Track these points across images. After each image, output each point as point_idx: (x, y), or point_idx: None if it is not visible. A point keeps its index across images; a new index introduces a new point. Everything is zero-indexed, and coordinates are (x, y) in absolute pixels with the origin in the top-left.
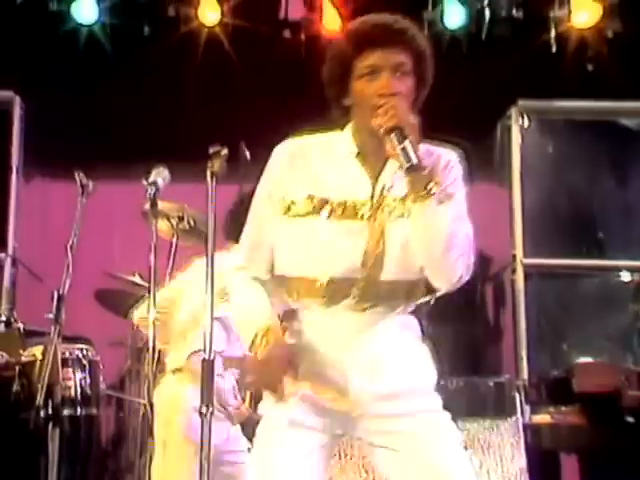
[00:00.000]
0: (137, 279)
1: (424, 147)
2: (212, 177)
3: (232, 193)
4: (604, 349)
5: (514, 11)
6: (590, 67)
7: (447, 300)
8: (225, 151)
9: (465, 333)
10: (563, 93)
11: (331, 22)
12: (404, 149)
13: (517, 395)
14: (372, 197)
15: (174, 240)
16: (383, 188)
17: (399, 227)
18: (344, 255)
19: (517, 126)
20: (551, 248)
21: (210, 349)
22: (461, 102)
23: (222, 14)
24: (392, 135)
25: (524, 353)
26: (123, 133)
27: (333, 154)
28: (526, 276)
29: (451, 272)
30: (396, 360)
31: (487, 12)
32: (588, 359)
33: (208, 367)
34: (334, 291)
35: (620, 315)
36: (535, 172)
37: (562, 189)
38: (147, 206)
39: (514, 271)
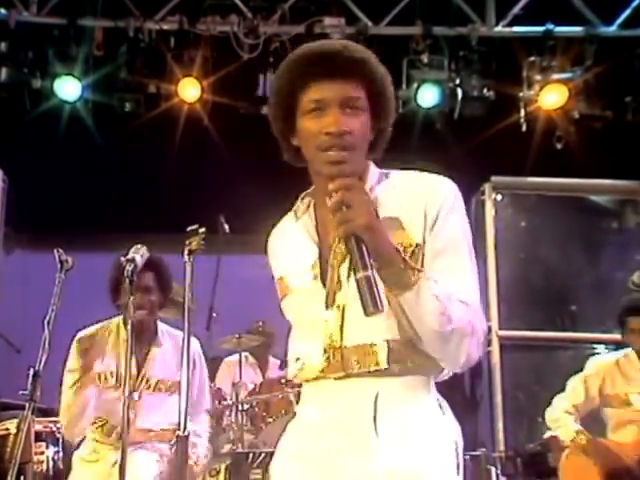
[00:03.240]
0: None
1: (413, 175)
2: (189, 254)
3: (212, 264)
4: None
5: (485, 91)
6: (559, 146)
7: None
8: (202, 229)
9: None
10: (534, 170)
11: None
12: (361, 281)
13: (493, 468)
14: (319, 259)
15: None
16: (382, 307)
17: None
18: (322, 327)
19: (490, 201)
20: (525, 320)
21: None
22: None
23: (202, 90)
24: (347, 250)
25: (500, 425)
26: (104, 206)
27: (296, 227)
28: (501, 348)
29: (453, 359)
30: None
31: (459, 92)
32: None
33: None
34: (316, 367)
35: None
36: (509, 245)
37: (535, 262)
38: (125, 282)
39: (489, 343)
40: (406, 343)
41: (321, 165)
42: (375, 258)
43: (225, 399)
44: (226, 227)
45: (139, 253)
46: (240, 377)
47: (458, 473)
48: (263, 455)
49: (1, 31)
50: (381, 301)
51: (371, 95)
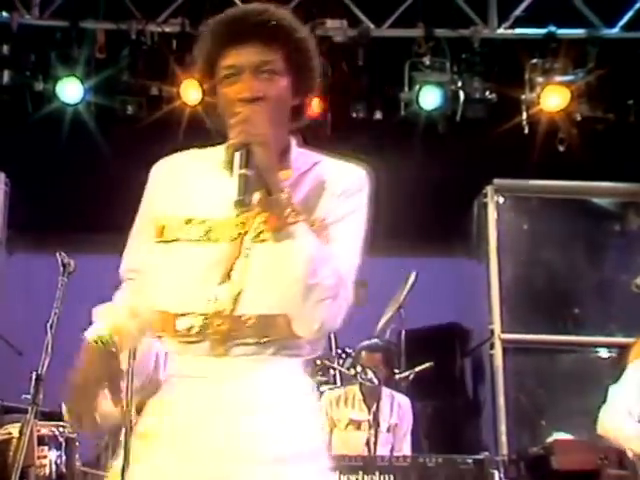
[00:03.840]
0: None
1: (325, 161)
2: None
3: None
4: (583, 425)
5: (487, 94)
6: (561, 148)
7: (426, 375)
8: None
9: (444, 409)
10: (536, 172)
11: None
12: (241, 177)
13: (496, 472)
14: (237, 215)
15: None
16: (250, 204)
17: (265, 252)
18: (201, 284)
19: (493, 204)
20: (528, 323)
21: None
22: (438, 180)
23: (204, 93)
24: (236, 154)
25: (503, 429)
26: (107, 209)
27: (207, 167)
28: (504, 351)
29: (308, 319)
30: (272, 415)
31: (461, 94)
32: (567, 436)
33: None
34: (188, 328)
35: (599, 391)
36: (511, 248)
37: (538, 265)
38: None
39: (492, 346)
40: (276, 318)
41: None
42: (262, 180)
43: None
44: None
45: None
46: None
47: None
48: None
49: (3, 34)
50: (250, 199)
51: (291, 58)
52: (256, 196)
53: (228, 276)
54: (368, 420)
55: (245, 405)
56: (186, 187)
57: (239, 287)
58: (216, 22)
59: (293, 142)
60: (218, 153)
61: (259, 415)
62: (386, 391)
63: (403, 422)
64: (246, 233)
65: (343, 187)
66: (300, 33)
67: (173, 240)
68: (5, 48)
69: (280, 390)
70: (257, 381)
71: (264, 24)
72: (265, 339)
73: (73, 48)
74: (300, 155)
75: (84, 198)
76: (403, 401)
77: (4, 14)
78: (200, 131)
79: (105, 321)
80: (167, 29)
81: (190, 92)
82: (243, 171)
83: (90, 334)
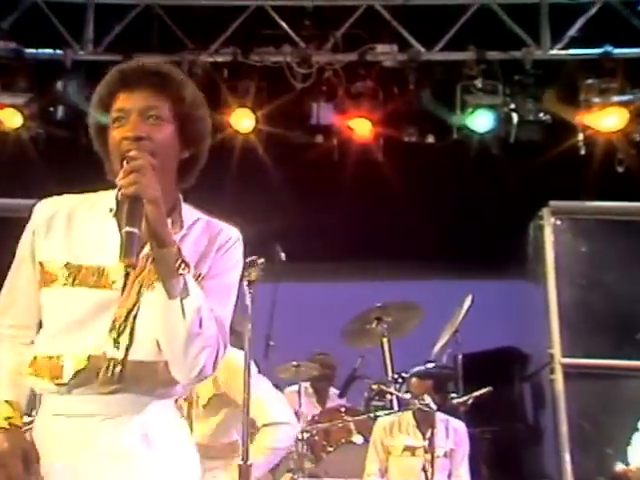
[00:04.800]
0: None
1: (204, 219)
2: (249, 285)
3: (268, 292)
4: None
5: (541, 115)
6: (620, 169)
7: (484, 400)
8: (262, 260)
9: (503, 435)
10: (593, 194)
11: (360, 128)
12: (127, 234)
13: None
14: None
15: None
16: (139, 259)
17: (153, 301)
18: (91, 329)
19: (549, 226)
20: (589, 348)
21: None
22: (492, 203)
23: (256, 121)
24: (124, 207)
25: (567, 457)
26: None
27: (95, 213)
28: (565, 376)
29: (189, 367)
30: (148, 453)
31: (514, 117)
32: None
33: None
34: (77, 372)
35: None
36: (569, 270)
37: (597, 288)
38: None
39: (552, 371)
40: (158, 364)
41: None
42: (152, 234)
43: None
44: (282, 255)
45: None
46: (300, 406)
47: None
48: None
49: (57, 70)
50: (136, 254)
51: (177, 108)
52: (147, 248)
53: (116, 322)
54: (423, 446)
55: (120, 450)
56: (77, 233)
57: (126, 333)
58: (110, 72)
59: (180, 196)
60: (108, 199)
61: (133, 461)
62: (440, 416)
63: (460, 447)
64: (135, 281)
65: (219, 244)
66: (188, 85)
67: (63, 285)
68: (59, 84)
69: (155, 433)
70: (133, 423)
71: (154, 73)
72: (146, 384)
73: None
74: (186, 210)
75: None
76: (458, 426)
77: (58, 51)
78: (253, 159)
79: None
80: (219, 59)
81: (242, 120)
82: (129, 229)
83: None
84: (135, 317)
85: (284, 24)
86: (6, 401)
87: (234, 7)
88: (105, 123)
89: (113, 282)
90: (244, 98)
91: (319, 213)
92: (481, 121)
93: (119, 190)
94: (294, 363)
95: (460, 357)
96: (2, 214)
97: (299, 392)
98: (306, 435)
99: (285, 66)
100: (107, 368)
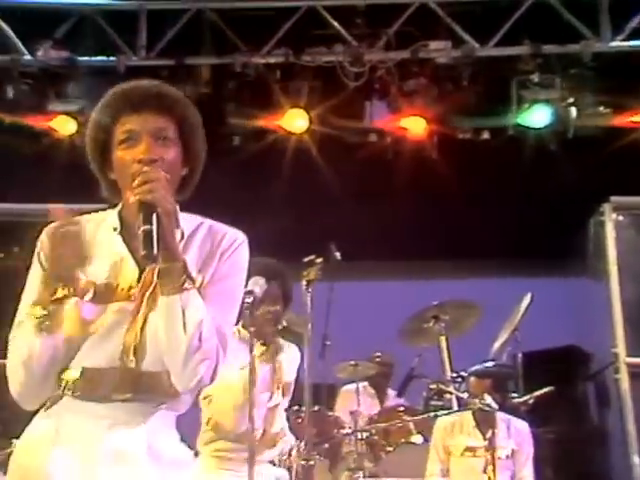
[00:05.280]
0: None
1: (208, 224)
2: (308, 285)
3: (324, 291)
4: None
5: (601, 109)
6: None
7: (546, 400)
8: (320, 260)
9: (567, 435)
10: None
11: (414, 125)
12: (145, 232)
13: None
14: (138, 279)
15: None
16: (146, 274)
17: (158, 314)
18: (107, 342)
19: (611, 222)
20: None
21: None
22: (551, 199)
23: (310, 121)
24: (141, 212)
25: (636, 460)
26: None
27: (101, 232)
28: (631, 376)
29: (187, 378)
30: (151, 461)
31: (573, 111)
32: None
33: None
34: (87, 381)
35: None
36: (632, 267)
37: None
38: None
39: (617, 370)
40: (162, 374)
41: (134, 189)
42: (163, 246)
43: (343, 427)
44: (337, 254)
45: (258, 284)
46: (358, 405)
47: None
48: None
49: (111, 77)
50: (157, 250)
51: (182, 132)
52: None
53: (129, 335)
54: (484, 447)
55: (125, 454)
56: (86, 253)
57: (138, 345)
58: (111, 94)
59: (177, 206)
60: (110, 218)
61: (136, 467)
62: (502, 416)
63: (523, 447)
64: (145, 295)
65: (223, 249)
66: (190, 105)
67: (76, 302)
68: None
69: (159, 444)
70: (140, 431)
71: (158, 95)
72: (154, 393)
73: (179, 85)
74: (183, 219)
75: None
76: (521, 426)
77: (111, 58)
78: (306, 159)
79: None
80: (271, 60)
81: (295, 121)
82: (147, 227)
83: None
84: (146, 329)
85: (336, 23)
86: None
87: (286, 8)
88: (105, 144)
89: (125, 297)
90: (297, 99)
91: (373, 212)
92: (538, 116)
93: (135, 197)
94: (352, 362)
95: (520, 356)
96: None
97: (357, 391)
98: (365, 434)
99: (337, 65)
100: (121, 379)
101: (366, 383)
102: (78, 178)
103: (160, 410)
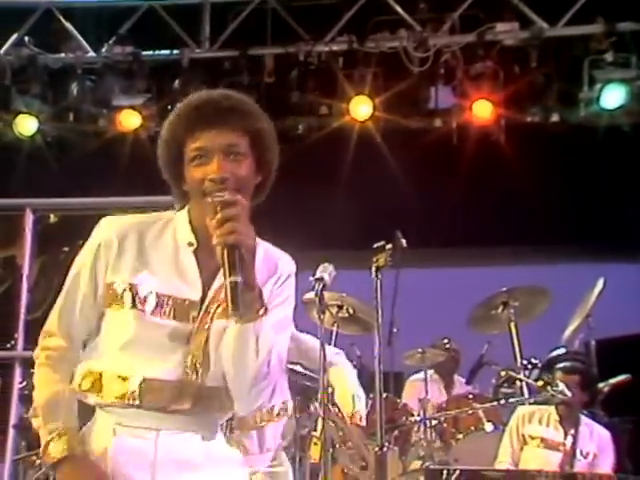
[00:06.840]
0: (298, 368)
1: (263, 248)
2: (377, 271)
3: (390, 279)
4: None
5: None
6: None
7: (623, 388)
8: (389, 246)
9: None
10: None
11: (481, 110)
12: (232, 286)
13: None
14: (202, 301)
15: (334, 328)
16: (212, 291)
17: (228, 336)
18: (168, 357)
19: None
20: None
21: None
22: (623, 183)
23: (374, 108)
24: (225, 256)
25: None
26: (274, 224)
27: (167, 240)
28: None
29: (252, 402)
30: (209, 464)
31: None
32: None
33: None
34: (151, 394)
35: None
36: None
37: None
38: (312, 298)
39: None
40: (220, 389)
41: (211, 212)
42: (244, 280)
43: (412, 415)
44: (403, 241)
45: (327, 271)
46: (426, 393)
47: None
48: (458, 472)
49: (175, 70)
50: (243, 306)
51: (253, 145)
52: (217, 281)
53: (193, 352)
54: (563, 442)
55: (183, 461)
56: (151, 259)
57: (201, 361)
58: (184, 106)
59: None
60: (181, 227)
61: (195, 471)
62: (585, 420)
63: (603, 454)
64: (210, 313)
65: (277, 277)
66: (262, 116)
67: (136, 309)
68: (177, 83)
69: (214, 447)
70: (197, 439)
71: (231, 109)
72: (212, 407)
73: (243, 76)
74: None
75: None
76: (603, 433)
77: (175, 51)
78: (371, 146)
79: (59, 430)
80: (334, 47)
81: (359, 107)
82: (233, 279)
83: (58, 452)
84: (208, 346)
85: (399, 8)
86: (68, 428)
87: None
88: (177, 159)
89: (192, 316)
90: (361, 86)
91: (439, 198)
92: (612, 97)
93: (217, 239)
94: (419, 349)
95: (593, 343)
96: (121, 213)
97: (425, 379)
98: (434, 422)
99: (402, 51)
100: (182, 391)
101: (432, 371)
102: (142, 172)
103: (215, 419)
